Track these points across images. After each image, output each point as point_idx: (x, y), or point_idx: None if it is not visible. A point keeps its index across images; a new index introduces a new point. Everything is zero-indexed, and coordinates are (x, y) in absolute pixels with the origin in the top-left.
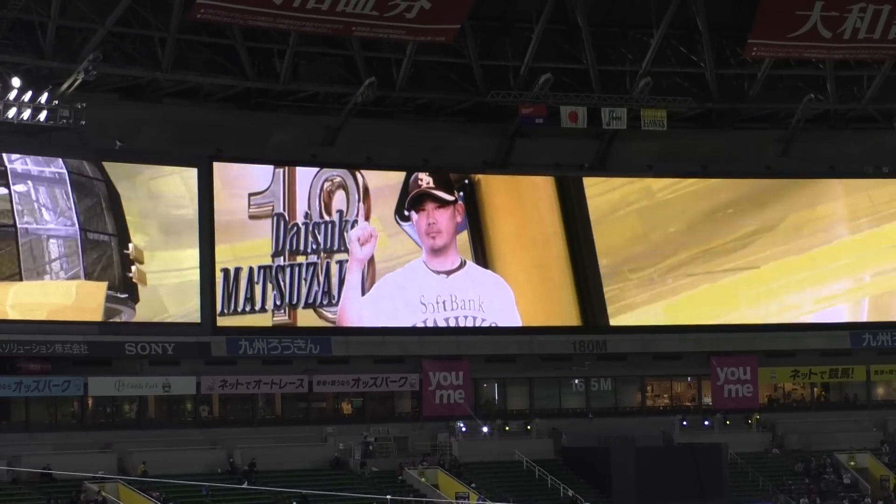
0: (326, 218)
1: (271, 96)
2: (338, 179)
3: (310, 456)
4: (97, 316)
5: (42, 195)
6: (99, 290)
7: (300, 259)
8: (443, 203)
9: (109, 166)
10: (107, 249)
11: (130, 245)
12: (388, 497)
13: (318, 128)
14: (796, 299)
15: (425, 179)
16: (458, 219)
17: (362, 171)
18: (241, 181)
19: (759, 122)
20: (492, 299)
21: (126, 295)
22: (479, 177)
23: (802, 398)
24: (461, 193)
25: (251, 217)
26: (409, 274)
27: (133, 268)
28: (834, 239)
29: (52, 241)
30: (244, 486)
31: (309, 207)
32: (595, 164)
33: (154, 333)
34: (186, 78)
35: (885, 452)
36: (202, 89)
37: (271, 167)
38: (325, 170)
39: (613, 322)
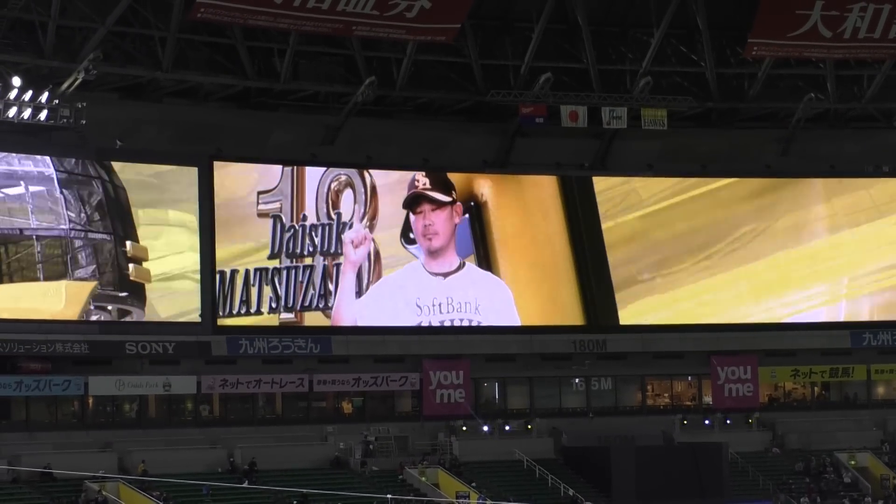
0: (325, 220)
1: (271, 95)
2: (344, 178)
3: (310, 455)
4: (78, 316)
5: (30, 196)
6: (84, 290)
7: (297, 262)
8: (439, 204)
9: (118, 165)
10: (104, 249)
11: (128, 243)
12: (389, 496)
13: (318, 127)
14: (794, 298)
15: (422, 180)
16: (457, 220)
17: (371, 171)
18: (250, 179)
19: (760, 122)
20: (489, 301)
21: (126, 294)
22: (487, 198)
23: (803, 397)
24: (466, 216)
25: (259, 215)
26: (407, 276)
27: (131, 266)
28: (833, 237)
29: (40, 242)
30: (244, 485)
31: (317, 206)
32: (595, 163)
33: (154, 333)
34: (186, 77)
35: (886, 452)
36: (202, 89)
37: (279, 165)
38: (332, 169)
39: (624, 322)
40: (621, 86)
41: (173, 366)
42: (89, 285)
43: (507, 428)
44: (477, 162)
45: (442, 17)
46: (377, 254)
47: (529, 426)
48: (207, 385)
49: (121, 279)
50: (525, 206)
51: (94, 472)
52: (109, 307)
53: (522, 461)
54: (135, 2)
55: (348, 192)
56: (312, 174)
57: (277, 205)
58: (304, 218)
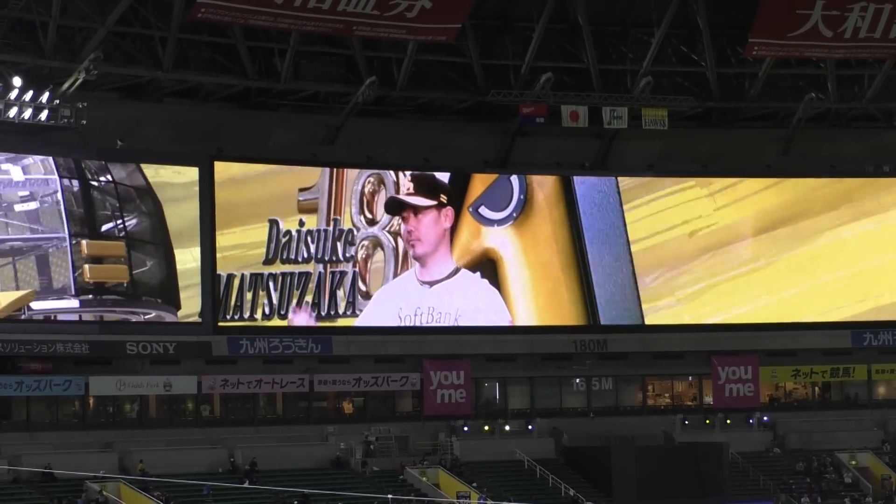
0: (359, 223)
1: (272, 95)
2: (375, 179)
3: (311, 455)
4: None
5: None
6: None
7: (291, 268)
8: (419, 209)
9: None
10: (55, 253)
11: (84, 242)
12: (390, 496)
13: (318, 127)
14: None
15: (405, 184)
16: (446, 224)
17: (405, 171)
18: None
19: (760, 122)
20: (471, 310)
21: (89, 296)
22: (501, 253)
23: (805, 397)
24: (478, 273)
25: (300, 210)
26: (399, 285)
27: (87, 267)
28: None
29: None
30: (245, 485)
31: (352, 207)
32: (596, 163)
33: (155, 333)
34: (187, 77)
35: (886, 451)
36: (203, 88)
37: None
38: (366, 170)
39: (650, 322)
40: (622, 86)
41: (174, 366)
42: (17, 294)
43: (506, 428)
44: (477, 162)
45: (442, 17)
46: (405, 254)
47: (530, 426)
48: (208, 385)
49: (76, 281)
50: (538, 254)
51: (95, 472)
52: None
53: (523, 461)
54: (135, 2)
55: (382, 193)
56: (351, 174)
57: (315, 202)
58: (302, 223)
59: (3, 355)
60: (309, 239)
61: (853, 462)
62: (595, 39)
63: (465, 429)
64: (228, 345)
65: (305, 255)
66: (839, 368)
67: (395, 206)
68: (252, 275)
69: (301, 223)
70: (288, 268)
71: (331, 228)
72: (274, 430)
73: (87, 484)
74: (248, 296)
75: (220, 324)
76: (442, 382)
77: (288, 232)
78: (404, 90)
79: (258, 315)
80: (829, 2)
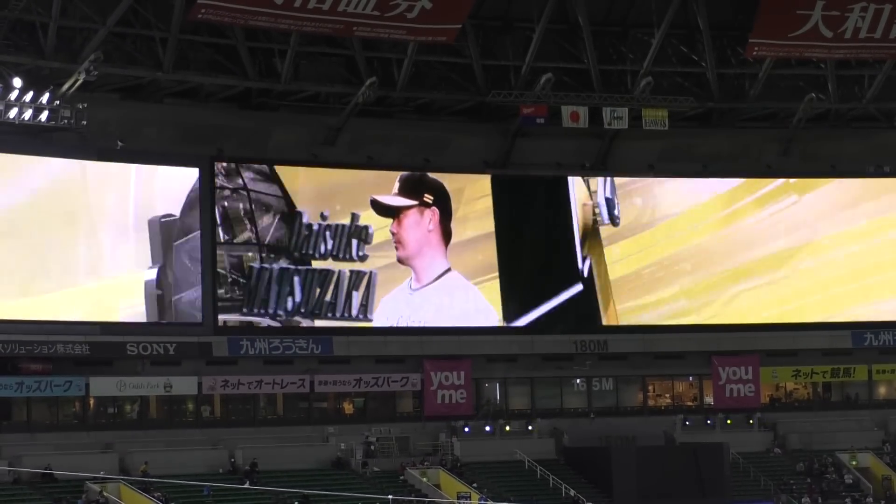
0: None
1: (272, 96)
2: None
3: (311, 456)
4: None
5: None
6: None
7: (309, 264)
8: (399, 211)
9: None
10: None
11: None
12: (390, 497)
13: (319, 127)
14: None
15: (395, 186)
16: (430, 226)
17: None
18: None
19: (760, 122)
20: (443, 317)
21: None
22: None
23: (806, 397)
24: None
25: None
26: (398, 290)
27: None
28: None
29: None
30: (246, 486)
31: None
32: (596, 163)
33: (155, 333)
34: (187, 78)
35: (887, 452)
36: (203, 89)
37: None
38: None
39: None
40: (622, 86)
41: (174, 366)
42: None
43: (507, 429)
44: (478, 162)
45: (443, 18)
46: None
47: (531, 427)
48: (208, 386)
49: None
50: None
51: (95, 472)
52: None
53: (524, 462)
54: (136, 2)
55: None
56: None
57: None
58: (323, 217)
59: (4, 356)
60: (328, 234)
61: (854, 462)
62: (595, 40)
63: (466, 429)
64: (229, 345)
65: (322, 252)
66: (840, 369)
67: (377, 208)
68: (281, 269)
69: (322, 216)
70: (307, 263)
71: (348, 224)
72: (274, 430)
73: (87, 485)
74: (273, 290)
75: (230, 318)
76: (442, 383)
77: (309, 226)
78: (404, 91)
79: (281, 311)
80: (830, 2)
